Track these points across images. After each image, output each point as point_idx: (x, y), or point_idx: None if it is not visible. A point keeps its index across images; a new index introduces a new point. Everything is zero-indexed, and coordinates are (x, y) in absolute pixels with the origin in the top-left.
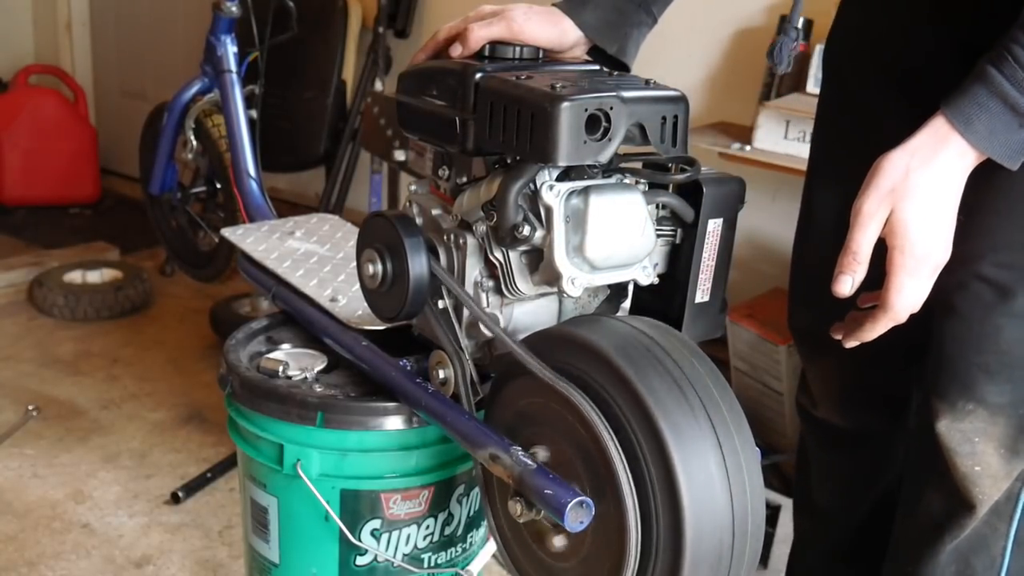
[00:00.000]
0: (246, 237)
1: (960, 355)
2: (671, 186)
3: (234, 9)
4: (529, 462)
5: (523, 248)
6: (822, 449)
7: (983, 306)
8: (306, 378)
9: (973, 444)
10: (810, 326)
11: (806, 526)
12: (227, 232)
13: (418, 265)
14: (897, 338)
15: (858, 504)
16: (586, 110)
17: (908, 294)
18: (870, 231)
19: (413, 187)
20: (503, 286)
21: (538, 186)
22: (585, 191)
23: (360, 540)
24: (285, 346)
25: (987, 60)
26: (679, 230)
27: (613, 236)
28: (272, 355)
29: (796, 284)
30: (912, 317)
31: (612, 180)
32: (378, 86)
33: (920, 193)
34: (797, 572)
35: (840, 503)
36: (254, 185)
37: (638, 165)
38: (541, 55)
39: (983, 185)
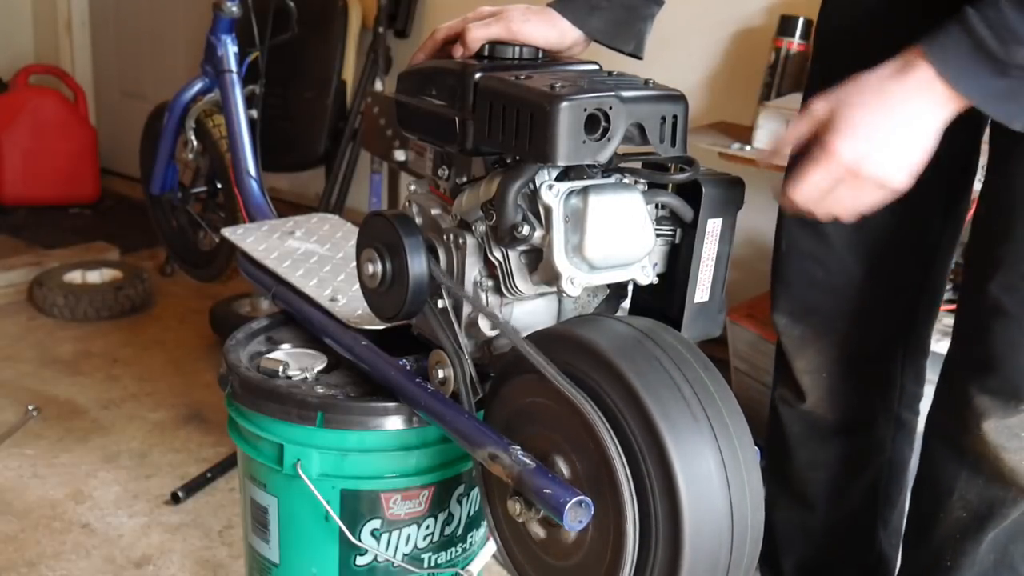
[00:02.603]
0: (246, 237)
1: (1011, 356)
2: (670, 186)
3: (234, 9)
4: (528, 461)
5: (522, 248)
6: (809, 441)
7: None
8: (306, 378)
9: (1021, 439)
10: (799, 314)
11: (793, 518)
12: (227, 232)
13: (417, 265)
14: (882, 318)
15: (845, 495)
16: (585, 110)
17: (812, 189)
18: (802, 128)
19: (413, 187)
20: (502, 286)
21: (537, 186)
22: (584, 191)
23: (360, 540)
24: (285, 346)
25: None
26: (678, 230)
27: (612, 236)
28: (272, 355)
29: (783, 274)
30: (899, 302)
31: (611, 180)
32: (378, 86)
33: (881, 108)
34: (789, 566)
35: (827, 494)
36: (254, 185)
37: (637, 165)
38: (540, 55)
39: (1015, 185)
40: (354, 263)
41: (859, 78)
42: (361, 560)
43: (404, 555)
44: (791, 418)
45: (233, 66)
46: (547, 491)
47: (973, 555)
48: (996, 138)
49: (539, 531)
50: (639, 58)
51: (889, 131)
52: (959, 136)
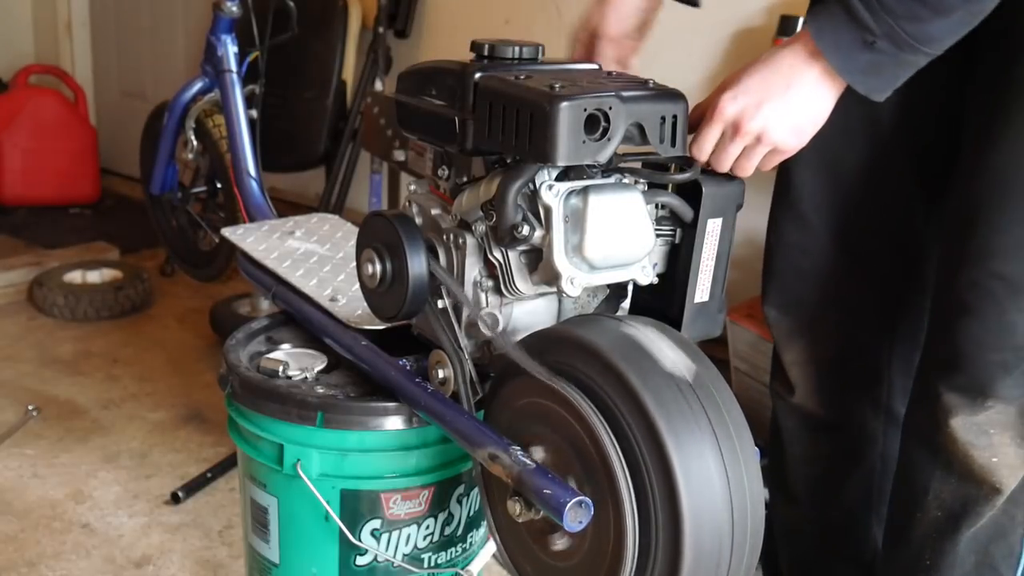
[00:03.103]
0: (246, 237)
1: (977, 354)
2: (670, 186)
3: (234, 9)
4: (528, 462)
5: (522, 248)
6: (799, 437)
7: (997, 303)
8: (306, 378)
9: (989, 436)
10: (785, 307)
11: (788, 515)
12: (227, 232)
13: (417, 265)
14: (868, 313)
15: (836, 493)
16: (585, 110)
17: (705, 144)
18: (713, 131)
19: (413, 187)
20: (502, 286)
21: (537, 186)
22: (584, 191)
23: (360, 540)
24: (285, 346)
25: None
26: (678, 230)
27: (612, 236)
28: (272, 355)
29: (771, 266)
30: (884, 294)
31: (611, 180)
32: (378, 86)
33: (769, 74)
34: (785, 561)
35: (820, 491)
36: (254, 185)
37: (637, 165)
38: (541, 55)
39: (981, 181)
40: (354, 263)
41: (775, 46)
42: (361, 560)
43: (404, 555)
44: (784, 412)
45: (233, 66)
46: (547, 491)
47: (952, 555)
48: (969, 134)
49: (539, 532)
50: (697, 5)
51: (772, 93)
52: (937, 128)
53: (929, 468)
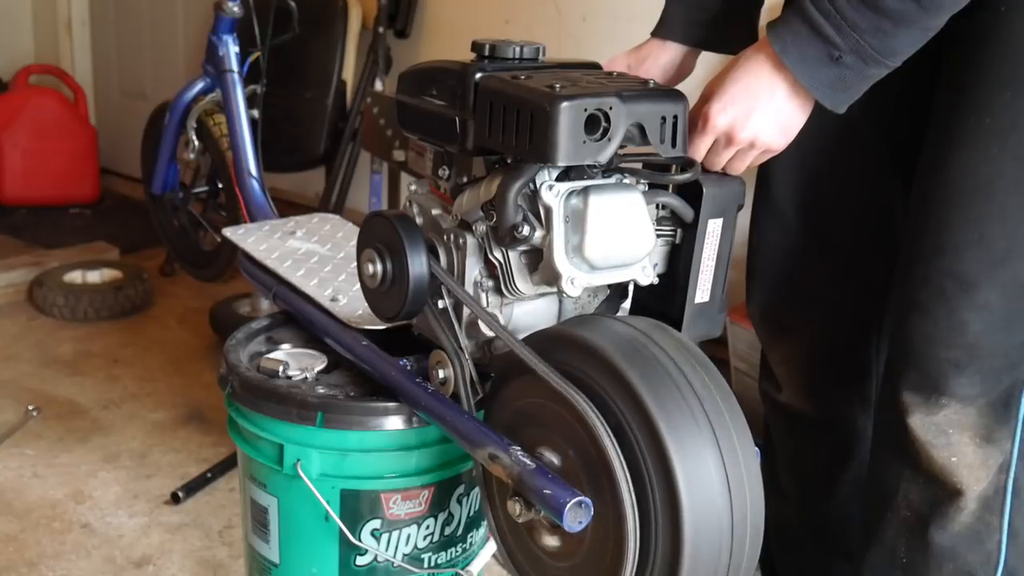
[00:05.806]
0: (247, 236)
1: (929, 351)
2: (671, 186)
3: (236, 9)
4: (528, 462)
5: (523, 248)
6: (788, 436)
7: (947, 301)
8: (306, 378)
9: (948, 436)
10: (768, 307)
11: (780, 512)
12: (228, 231)
13: (418, 265)
14: (852, 310)
15: (829, 490)
16: (585, 110)
17: (699, 153)
18: (707, 141)
19: (413, 187)
20: (503, 286)
21: (538, 186)
22: (585, 191)
23: (360, 540)
24: (285, 346)
25: None
26: (679, 230)
27: (612, 236)
28: (272, 355)
29: (753, 266)
30: (869, 291)
31: (612, 180)
32: (378, 86)
33: (750, 81)
34: (779, 559)
35: (811, 489)
36: (255, 184)
37: (638, 165)
38: (541, 55)
39: (938, 179)
40: (355, 263)
41: (744, 53)
42: (361, 560)
43: (404, 555)
44: (773, 411)
45: (234, 66)
46: (547, 491)
47: (926, 555)
48: (931, 132)
49: (539, 532)
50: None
51: (759, 100)
52: (911, 126)
53: (897, 468)
